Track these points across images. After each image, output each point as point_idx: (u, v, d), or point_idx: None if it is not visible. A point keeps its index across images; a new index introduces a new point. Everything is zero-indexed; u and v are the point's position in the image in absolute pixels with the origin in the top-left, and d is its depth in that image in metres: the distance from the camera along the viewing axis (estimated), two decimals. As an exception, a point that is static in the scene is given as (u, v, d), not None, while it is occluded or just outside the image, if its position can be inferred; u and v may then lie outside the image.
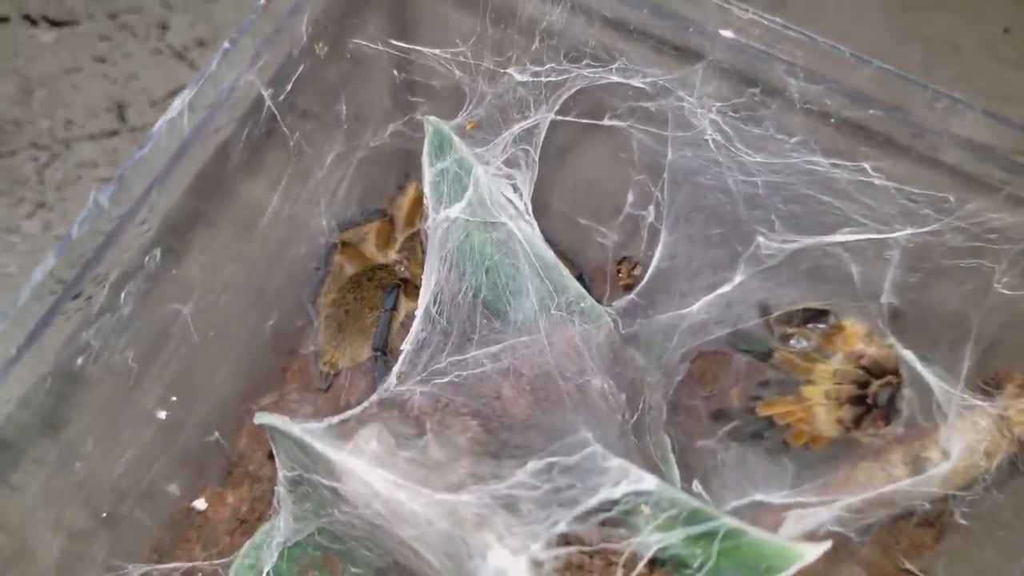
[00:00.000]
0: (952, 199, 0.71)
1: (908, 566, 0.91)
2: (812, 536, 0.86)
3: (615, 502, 0.58)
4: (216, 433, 0.86)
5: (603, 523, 0.59)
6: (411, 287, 0.87)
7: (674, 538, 0.57)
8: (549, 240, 0.90)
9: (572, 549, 0.58)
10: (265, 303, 0.89)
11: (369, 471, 0.61)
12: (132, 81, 1.31)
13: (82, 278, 0.57)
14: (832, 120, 0.70)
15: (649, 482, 0.58)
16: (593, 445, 0.64)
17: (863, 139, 0.71)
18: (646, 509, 0.60)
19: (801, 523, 0.86)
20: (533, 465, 0.62)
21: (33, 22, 1.36)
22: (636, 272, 0.94)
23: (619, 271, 0.97)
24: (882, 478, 0.87)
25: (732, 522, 0.56)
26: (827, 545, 0.55)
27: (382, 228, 0.93)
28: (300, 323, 0.94)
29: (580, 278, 0.95)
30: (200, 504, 0.89)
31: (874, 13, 1.49)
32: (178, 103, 0.59)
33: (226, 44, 0.61)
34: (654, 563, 0.60)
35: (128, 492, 0.80)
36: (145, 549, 0.84)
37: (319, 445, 0.62)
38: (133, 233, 0.60)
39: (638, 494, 0.58)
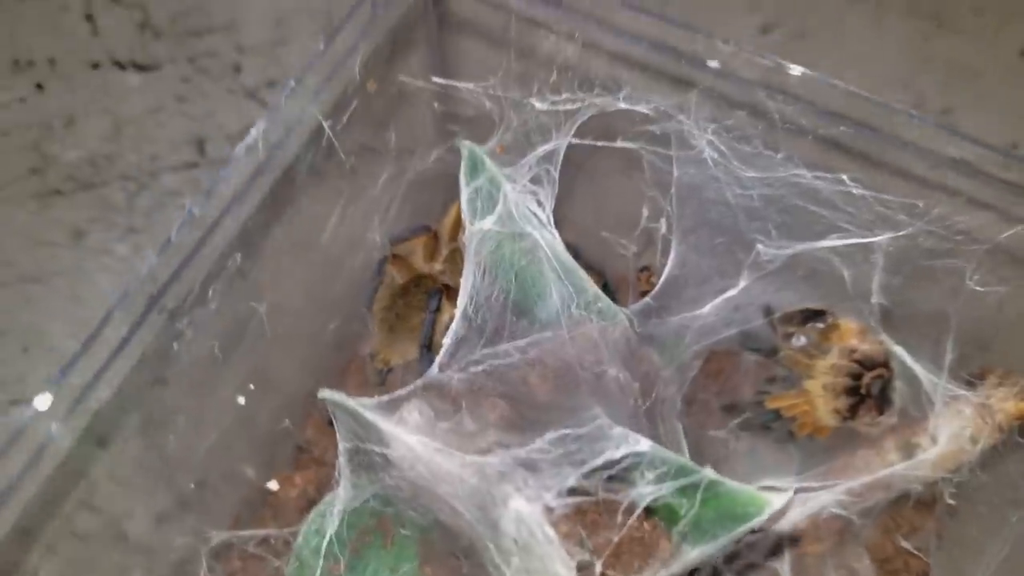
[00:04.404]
0: (921, 204, 0.81)
1: (905, 544, 1.00)
2: (816, 519, 0.95)
3: (617, 461, 0.69)
4: (287, 421, 0.98)
5: (607, 479, 0.70)
6: (452, 292, 0.99)
7: (665, 489, 0.67)
8: (576, 251, 1.01)
9: (579, 499, 0.69)
10: (328, 309, 1.02)
11: (412, 436, 0.73)
12: (210, 118, 1.46)
13: (178, 275, 0.71)
14: (809, 136, 0.81)
15: (644, 444, 0.68)
16: (601, 418, 0.75)
17: (838, 154, 0.81)
18: (649, 471, 0.71)
19: (806, 506, 0.95)
20: (550, 435, 0.74)
21: (122, 67, 1.52)
22: (654, 280, 1.05)
23: (640, 279, 1.08)
24: (878, 463, 0.96)
25: (711, 474, 0.67)
26: (790, 494, 0.66)
27: (428, 242, 1.05)
28: (357, 327, 1.06)
29: (605, 286, 1.06)
30: (273, 485, 1.01)
31: (894, 40, 1.57)
32: (254, 131, 0.72)
33: (291, 82, 0.75)
34: (649, 512, 0.71)
35: (211, 470, 0.92)
36: (226, 521, 0.96)
37: (370, 415, 0.74)
38: (218, 239, 0.73)
39: (636, 454, 0.69)
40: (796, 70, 0.78)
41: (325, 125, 0.79)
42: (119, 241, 1.36)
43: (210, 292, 0.75)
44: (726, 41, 0.78)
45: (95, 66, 1.51)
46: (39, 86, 1.50)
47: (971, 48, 1.55)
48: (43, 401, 0.67)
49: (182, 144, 1.44)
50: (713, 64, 0.79)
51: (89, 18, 1.55)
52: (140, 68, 1.51)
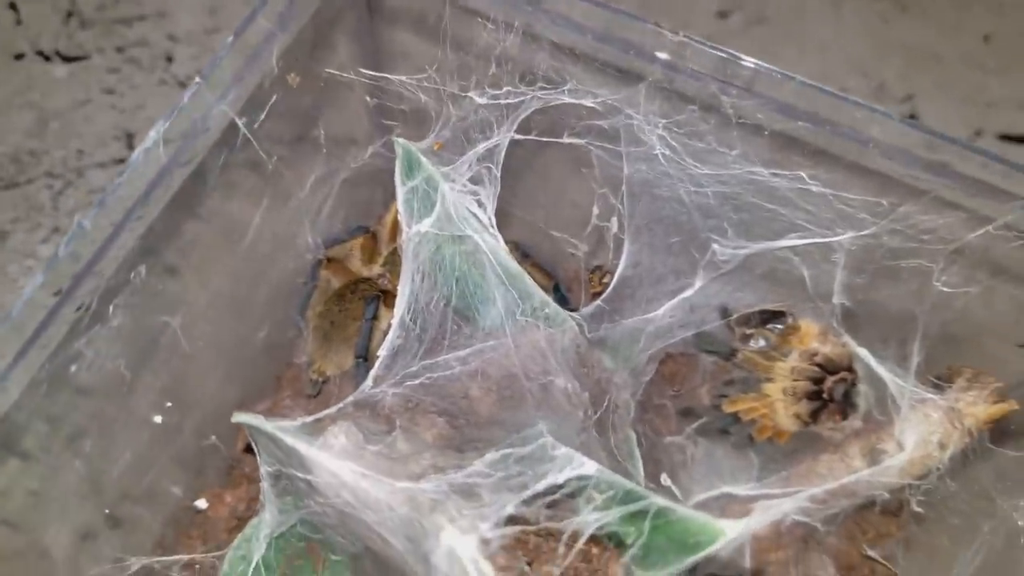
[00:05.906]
0: (885, 203, 0.76)
1: (871, 553, 0.96)
2: (778, 525, 0.90)
3: (560, 486, 0.64)
4: (213, 437, 0.92)
5: (549, 506, 0.64)
6: (391, 298, 0.93)
7: (611, 517, 0.62)
8: (525, 251, 0.96)
9: (517, 528, 0.63)
10: (255, 316, 0.95)
11: (335, 462, 0.67)
12: (139, 111, 1.38)
13: (72, 292, 0.64)
14: (766, 132, 0.75)
15: (589, 467, 0.63)
16: (545, 436, 0.69)
17: (796, 150, 0.76)
18: (595, 494, 0.65)
19: (767, 513, 0.89)
20: (490, 456, 0.68)
21: (47, 58, 1.43)
22: (607, 280, 0.99)
23: (592, 279, 1.02)
24: (842, 469, 0.91)
25: (661, 501, 0.61)
26: (744, 522, 0.61)
27: (366, 243, 0.99)
28: (292, 334, 1.00)
29: (556, 287, 1.01)
30: (201, 503, 0.95)
31: (854, 24, 1.53)
32: (153, 134, 0.66)
33: (197, 79, 0.68)
34: (595, 541, 0.65)
35: (129, 492, 0.86)
36: (149, 545, 0.89)
37: (290, 440, 0.68)
38: (116, 252, 0.67)
39: (580, 478, 0.63)
40: (750, 62, 0.72)
41: (239, 122, 0.72)
42: (43, 243, 1.28)
43: (111, 309, 0.68)
44: (676, 32, 0.72)
45: (18, 57, 1.43)
46: (-42, 78, 1.41)
47: (933, 33, 1.51)
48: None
49: (110, 139, 1.36)
50: (663, 56, 0.73)
51: (12, 7, 1.47)
52: (66, 59, 1.43)
